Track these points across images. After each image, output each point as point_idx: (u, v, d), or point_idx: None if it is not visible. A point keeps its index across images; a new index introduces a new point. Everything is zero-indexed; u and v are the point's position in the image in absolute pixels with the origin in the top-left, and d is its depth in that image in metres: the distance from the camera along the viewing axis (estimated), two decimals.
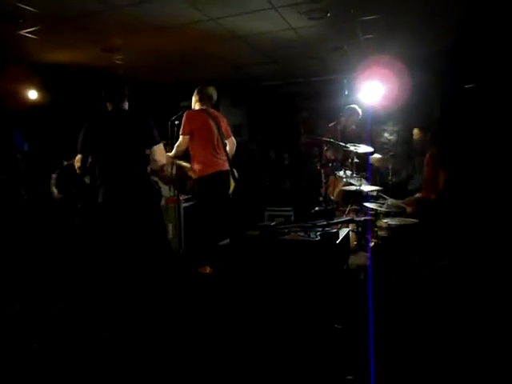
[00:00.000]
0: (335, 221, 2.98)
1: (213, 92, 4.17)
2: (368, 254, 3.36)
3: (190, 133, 3.93)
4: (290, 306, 2.50)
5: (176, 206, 4.72)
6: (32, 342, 2.72)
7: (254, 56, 5.50)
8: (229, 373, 2.29)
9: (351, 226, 4.16)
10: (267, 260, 2.54)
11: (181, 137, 3.92)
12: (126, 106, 3.27)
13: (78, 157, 3.20)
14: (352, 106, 5.28)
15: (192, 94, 4.33)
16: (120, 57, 5.56)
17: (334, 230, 2.68)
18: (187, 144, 3.95)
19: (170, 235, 4.86)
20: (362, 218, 3.51)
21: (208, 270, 4.06)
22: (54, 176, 4.22)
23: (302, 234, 2.61)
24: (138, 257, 3.09)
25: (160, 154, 3.24)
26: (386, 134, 7.39)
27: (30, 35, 4.61)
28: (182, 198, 4.95)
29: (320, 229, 2.65)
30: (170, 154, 4.04)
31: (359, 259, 3.35)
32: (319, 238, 2.51)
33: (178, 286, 3.55)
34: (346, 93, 5.05)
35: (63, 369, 2.43)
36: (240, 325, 2.59)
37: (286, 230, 2.65)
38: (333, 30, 4.57)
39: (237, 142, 4.46)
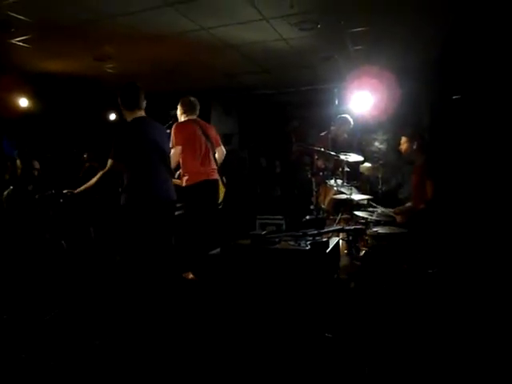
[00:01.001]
0: (326, 230, 3.00)
1: (195, 102, 4.23)
2: (358, 263, 3.39)
3: (181, 143, 3.95)
4: (281, 314, 2.50)
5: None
6: (20, 351, 2.68)
7: (246, 65, 5.55)
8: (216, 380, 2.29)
9: (342, 235, 4.19)
10: (258, 269, 2.56)
11: (173, 149, 3.92)
12: (143, 112, 3.28)
13: (109, 164, 3.15)
14: (344, 115, 5.35)
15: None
16: (111, 65, 5.58)
17: (325, 239, 2.71)
18: (180, 155, 3.97)
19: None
20: (353, 227, 3.54)
21: (191, 276, 4.08)
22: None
23: (292, 243, 2.63)
24: (151, 259, 3.10)
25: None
26: (376, 143, 7.49)
27: (21, 44, 4.62)
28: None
29: (310, 238, 2.67)
30: None
31: (349, 268, 3.38)
32: (309, 247, 2.53)
33: (167, 291, 3.54)
34: (337, 102, 5.09)
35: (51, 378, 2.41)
36: (229, 333, 2.59)
37: (277, 240, 2.67)
38: (323, 41, 4.64)
39: (228, 150, 4.51)
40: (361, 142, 7.09)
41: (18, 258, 3.74)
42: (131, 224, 3.14)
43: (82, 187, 3.34)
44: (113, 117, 7.04)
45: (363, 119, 5.89)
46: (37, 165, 4.20)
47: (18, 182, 4.12)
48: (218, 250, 3.07)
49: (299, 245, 2.57)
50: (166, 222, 3.25)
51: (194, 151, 4.03)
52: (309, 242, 2.58)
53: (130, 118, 3.23)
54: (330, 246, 2.66)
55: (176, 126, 4.05)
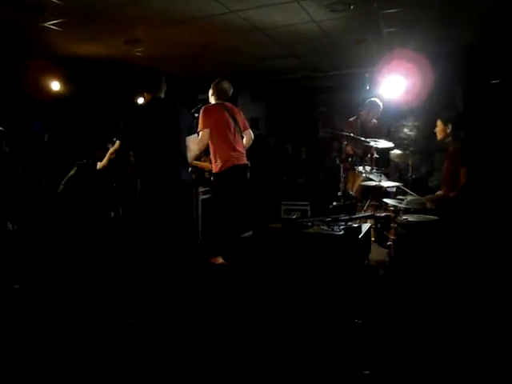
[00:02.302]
0: (357, 216, 2.95)
1: (228, 87, 4.19)
2: (387, 250, 3.34)
3: (209, 126, 3.93)
4: (312, 299, 2.50)
5: (194, 198, 4.75)
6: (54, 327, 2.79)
7: (275, 49, 5.46)
8: (248, 363, 2.31)
9: (370, 223, 4.13)
10: (290, 253, 2.55)
11: (201, 132, 3.90)
12: (163, 95, 3.29)
13: (116, 144, 3.19)
14: (373, 99, 5.21)
15: (209, 87, 4.35)
16: (141, 49, 5.60)
17: (357, 225, 2.67)
18: (208, 138, 3.95)
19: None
20: (383, 214, 3.47)
21: (220, 260, 4.11)
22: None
23: (325, 227, 2.60)
24: (168, 246, 3.12)
25: (194, 142, 3.33)
26: (405, 130, 7.31)
27: (54, 27, 4.68)
28: (200, 190, 4.99)
29: (343, 223, 2.64)
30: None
31: (378, 255, 3.33)
32: (343, 232, 2.50)
33: (195, 277, 3.59)
34: (368, 87, 4.96)
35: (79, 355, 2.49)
36: (260, 317, 2.62)
37: (309, 224, 2.65)
38: (355, 23, 4.51)
39: (254, 136, 4.45)
40: (390, 128, 6.94)
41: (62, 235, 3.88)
42: (144, 209, 3.15)
43: (100, 165, 3.38)
44: (141, 100, 7.10)
45: (394, 105, 5.73)
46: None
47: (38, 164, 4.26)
48: (250, 233, 3.07)
49: (332, 229, 2.54)
50: (183, 205, 3.20)
51: (223, 135, 4.00)
52: (342, 227, 2.55)
53: (147, 100, 3.27)
54: (362, 232, 2.62)
55: (204, 109, 4.02)
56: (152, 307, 3.00)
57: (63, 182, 4.34)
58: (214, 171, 4.10)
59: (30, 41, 5.22)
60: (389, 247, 3.33)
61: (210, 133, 3.96)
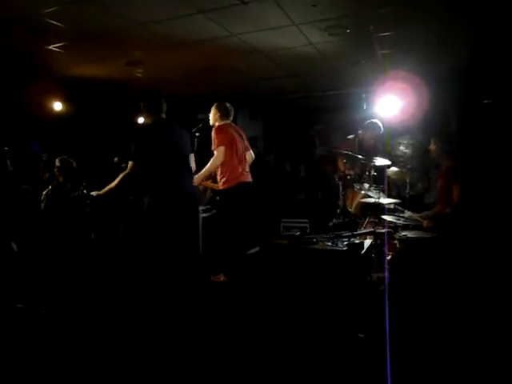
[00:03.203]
0: (359, 232, 3.02)
1: (230, 107, 4.30)
2: (386, 266, 3.39)
3: (225, 144, 4.02)
4: (316, 313, 2.54)
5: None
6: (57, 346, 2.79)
7: (274, 70, 5.62)
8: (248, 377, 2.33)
9: (369, 239, 4.18)
10: (295, 268, 2.62)
11: (217, 149, 4.00)
12: (165, 115, 3.38)
13: (130, 165, 3.27)
14: (374, 120, 5.32)
15: (209, 107, 4.44)
16: (141, 70, 5.72)
17: (359, 241, 2.73)
18: (224, 156, 4.02)
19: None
20: (383, 230, 3.54)
21: (222, 278, 4.14)
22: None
23: (329, 243, 2.66)
24: (175, 261, 3.17)
25: (193, 162, 3.45)
26: (401, 147, 7.43)
27: (57, 50, 4.80)
28: (200, 208, 5.02)
29: (346, 239, 2.71)
30: (201, 172, 4.11)
31: (379, 271, 3.38)
32: (346, 247, 2.56)
33: (197, 293, 3.62)
34: (365, 107, 5.08)
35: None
36: (267, 330, 2.66)
37: (314, 240, 2.71)
38: (351, 46, 4.67)
39: (253, 154, 4.56)
40: (386, 146, 7.06)
41: (53, 254, 3.88)
42: (156, 226, 3.20)
43: (107, 188, 3.47)
44: (141, 120, 7.20)
45: (389, 123, 5.86)
46: (74, 164, 4.35)
47: (57, 181, 4.28)
48: (256, 249, 3.12)
49: (336, 245, 2.60)
50: (192, 220, 3.32)
51: (234, 154, 4.10)
52: (345, 243, 2.61)
53: (151, 121, 3.34)
54: (365, 248, 2.68)
55: (218, 128, 4.13)
56: (153, 326, 3.01)
57: (42, 201, 4.32)
58: (221, 188, 4.16)
59: (32, 62, 5.33)
60: (389, 263, 3.38)
61: (225, 150, 4.06)
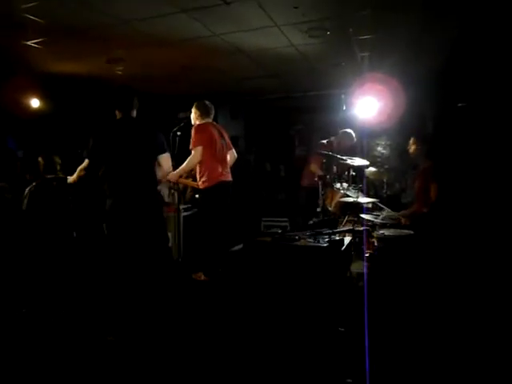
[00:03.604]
0: (338, 229, 3.11)
1: (210, 106, 4.35)
2: (364, 263, 3.48)
3: (202, 144, 4.04)
4: (299, 308, 2.61)
5: (176, 215, 4.81)
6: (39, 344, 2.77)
7: (255, 70, 5.66)
8: (231, 374, 2.37)
9: (349, 236, 4.28)
10: (278, 264, 2.68)
11: (194, 149, 4.01)
12: (135, 113, 3.34)
13: (85, 162, 3.28)
14: (348, 130, 5.44)
15: (190, 106, 4.47)
16: (122, 68, 5.67)
17: (339, 238, 2.82)
18: (201, 156, 4.04)
19: (170, 243, 4.93)
20: (362, 228, 3.64)
21: (202, 277, 4.17)
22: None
23: (311, 240, 2.74)
24: (140, 263, 3.15)
25: (166, 162, 3.31)
26: (379, 148, 7.61)
27: (36, 45, 4.71)
28: (181, 207, 5.04)
29: (326, 236, 2.79)
30: (177, 170, 4.12)
31: (358, 268, 3.47)
32: (327, 244, 2.64)
33: (178, 292, 3.64)
34: (344, 108, 5.19)
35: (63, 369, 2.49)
36: (250, 325, 2.71)
37: (297, 237, 2.78)
38: (332, 48, 4.77)
39: (235, 153, 4.60)
40: (364, 146, 7.21)
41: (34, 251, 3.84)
42: (111, 226, 3.20)
43: (70, 179, 3.53)
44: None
45: (368, 124, 5.99)
46: (58, 160, 4.32)
47: (41, 178, 4.24)
48: (240, 246, 3.17)
49: (318, 242, 2.67)
50: (142, 223, 3.18)
51: (214, 153, 4.13)
52: (326, 240, 2.69)
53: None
54: (345, 245, 2.77)
55: (197, 127, 4.15)
56: (132, 324, 3.02)
57: (25, 197, 4.26)
58: (201, 187, 4.19)
59: (10, 57, 5.22)
60: (367, 260, 3.48)
61: (202, 149, 4.07)
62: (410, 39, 4.49)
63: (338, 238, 2.78)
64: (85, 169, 3.31)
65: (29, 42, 4.61)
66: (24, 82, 5.76)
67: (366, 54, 4.98)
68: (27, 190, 4.20)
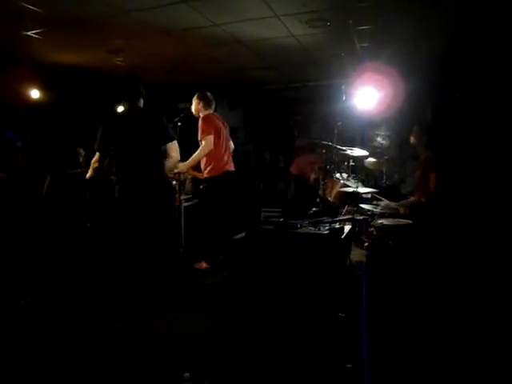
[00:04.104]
0: (339, 218, 3.17)
1: (212, 97, 4.37)
2: (365, 252, 3.55)
3: (211, 132, 4.06)
4: (299, 294, 2.67)
5: (177, 205, 4.84)
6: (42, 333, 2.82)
7: (255, 60, 5.66)
8: (235, 359, 2.43)
9: (348, 225, 4.34)
10: (280, 252, 2.75)
11: (205, 138, 4.03)
12: (141, 104, 3.39)
13: (96, 155, 3.32)
14: None
15: (189, 96, 4.49)
16: (121, 58, 5.67)
17: (340, 226, 2.88)
18: (213, 144, 4.06)
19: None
20: (362, 217, 3.69)
21: (204, 265, 4.23)
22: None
23: (312, 228, 2.80)
24: (147, 250, 3.21)
25: (175, 150, 3.36)
26: (378, 139, 7.62)
27: (35, 36, 4.70)
28: (182, 197, 5.07)
29: (327, 225, 2.85)
30: (188, 161, 4.17)
31: (357, 256, 3.54)
32: (328, 231, 2.70)
33: (183, 281, 3.69)
34: (344, 98, 5.20)
35: (69, 360, 2.54)
36: (252, 311, 2.77)
37: (298, 225, 2.84)
38: (332, 38, 4.77)
39: (233, 144, 4.65)
40: (364, 137, 7.24)
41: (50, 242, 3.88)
42: (120, 216, 3.27)
43: (87, 175, 3.54)
44: (121, 109, 7.12)
45: (368, 115, 6.01)
46: (82, 151, 4.36)
47: (60, 168, 4.27)
48: (243, 234, 3.23)
49: (319, 229, 2.74)
50: (151, 211, 3.26)
51: (219, 143, 4.17)
52: (327, 228, 2.75)
53: (126, 109, 3.36)
54: (345, 233, 2.83)
55: (204, 117, 4.20)
56: (139, 311, 3.08)
57: (44, 192, 4.31)
58: (207, 176, 4.23)
59: (9, 48, 5.20)
60: (366, 249, 3.54)
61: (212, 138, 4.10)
62: (409, 29, 4.49)
63: (338, 227, 2.84)
64: (98, 161, 3.34)
65: (29, 33, 4.60)
66: (24, 72, 5.76)
67: (365, 44, 4.99)
68: (47, 180, 4.25)
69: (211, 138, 4.06)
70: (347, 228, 3.07)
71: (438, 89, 5.89)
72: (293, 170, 6.06)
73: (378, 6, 3.86)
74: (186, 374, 2.30)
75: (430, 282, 3.20)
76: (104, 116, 3.34)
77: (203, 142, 4.08)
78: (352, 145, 5.36)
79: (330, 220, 2.93)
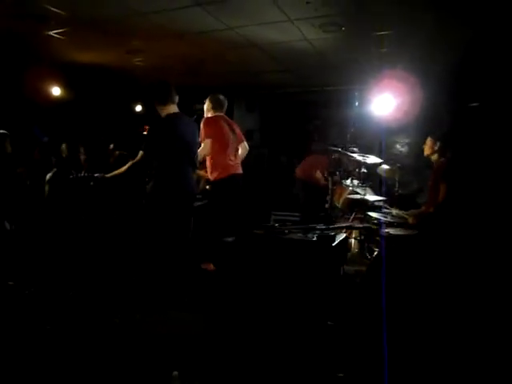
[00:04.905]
0: (334, 225, 3.13)
1: (223, 99, 4.36)
2: (367, 261, 3.49)
3: (211, 136, 4.09)
4: (287, 301, 2.65)
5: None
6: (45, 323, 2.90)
7: (270, 64, 5.67)
8: (222, 366, 2.44)
9: (354, 234, 4.29)
10: (268, 257, 2.74)
11: (204, 142, 4.08)
12: (177, 108, 3.51)
13: (140, 154, 3.42)
14: None
15: (206, 98, 4.52)
16: (141, 59, 5.79)
17: (332, 233, 2.84)
18: (210, 148, 4.10)
19: None
20: (361, 225, 3.64)
21: (212, 266, 4.25)
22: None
23: (300, 234, 2.79)
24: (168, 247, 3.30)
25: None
26: (397, 146, 7.50)
27: (57, 36, 4.86)
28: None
29: (318, 231, 2.83)
30: None
31: (358, 265, 3.49)
32: (316, 238, 2.68)
33: (188, 280, 3.72)
34: (357, 104, 5.16)
35: (73, 350, 2.60)
36: (238, 318, 2.76)
37: (287, 231, 2.83)
38: (347, 43, 4.72)
39: (248, 146, 4.63)
40: (382, 144, 7.13)
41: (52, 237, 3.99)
42: (154, 212, 3.35)
43: (113, 173, 3.61)
44: (138, 108, 7.27)
45: (385, 122, 5.94)
46: (83, 150, 4.46)
47: (62, 165, 4.38)
48: (232, 237, 3.25)
49: (306, 236, 2.72)
50: (186, 213, 3.46)
51: (223, 146, 4.16)
52: (316, 235, 2.73)
53: (164, 113, 3.42)
54: (337, 241, 2.79)
55: (206, 120, 4.20)
56: (141, 308, 3.12)
57: (46, 184, 4.43)
58: (211, 179, 4.26)
59: (33, 47, 5.39)
60: (368, 257, 3.49)
61: (212, 142, 4.13)
62: (427, 34, 4.41)
63: (330, 234, 2.81)
64: (137, 161, 3.45)
65: (50, 32, 4.76)
66: (47, 71, 5.97)
67: (382, 50, 4.92)
68: (48, 175, 4.37)
69: (209, 142, 4.07)
70: (341, 236, 3.02)
71: (453, 96, 5.76)
72: (297, 172, 6.06)
73: (393, 12, 3.82)
74: (175, 373, 2.32)
75: (433, 294, 3.12)
76: (153, 120, 3.46)
77: (201, 145, 4.11)
78: (369, 151, 5.29)
79: (323, 227, 2.90)
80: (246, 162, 4.64)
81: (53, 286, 3.45)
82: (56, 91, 6.02)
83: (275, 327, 2.57)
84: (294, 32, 4.37)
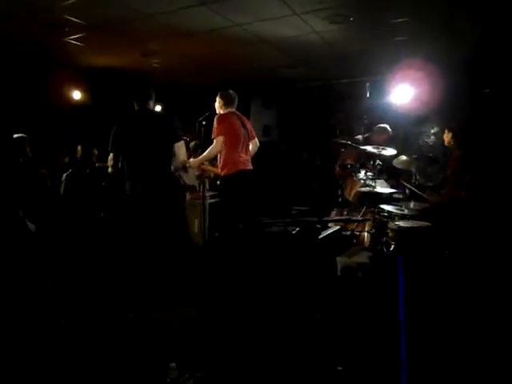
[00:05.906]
0: (327, 219, 3.09)
1: (234, 95, 4.38)
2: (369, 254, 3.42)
3: (223, 133, 4.14)
4: (272, 294, 2.65)
5: (201, 201, 4.95)
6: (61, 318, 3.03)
7: (281, 59, 5.65)
8: (210, 361, 2.46)
9: (367, 227, 4.21)
10: (251, 250, 2.74)
11: (216, 139, 4.13)
12: (152, 104, 3.51)
13: (110, 156, 3.52)
14: (382, 125, 5.24)
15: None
16: (157, 61, 5.91)
17: (318, 227, 2.81)
18: (222, 145, 4.15)
19: (196, 230, 5.11)
20: (360, 218, 3.56)
21: None
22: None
23: (282, 227, 2.78)
24: (155, 246, 3.34)
25: (180, 150, 3.44)
26: (423, 137, 7.27)
27: (75, 42, 5.05)
28: (207, 194, 5.18)
29: (304, 224, 2.80)
30: (199, 157, 4.30)
31: (362, 258, 3.42)
32: (295, 231, 2.66)
33: (199, 275, 3.77)
34: (368, 95, 5.04)
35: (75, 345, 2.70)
36: (232, 310, 2.79)
37: (269, 224, 2.83)
38: (358, 33, 4.64)
39: (267, 142, 4.63)
40: (407, 136, 6.94)
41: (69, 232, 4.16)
42: (130, 210, 3.42)
43: (109, 170, 3.72)
44: (158, 109, 7.40)
45: (407, 112, 5.79)
46: (95, 152, 4.63)
47: (77, 165, 4.55)
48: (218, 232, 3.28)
49: (286, 229, 2.71)
50: (153, 213, 3.37)
51: (235, 142, 4.20)
52: (298, 228, 2.70)
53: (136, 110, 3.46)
54: (324, 234, 2.76)
55: (219, 117, 4.23)
56: (151, 303, 3.20)
57: (62, 182, 4.62)
58: (221, 175, 4.31)
59: (52, 53, 5.61)
60: (371, 250, 3.42)
61: (224, 139, 4.18)
62: (444, 23, 4.25)
63: (315, 227, 2.77)
64: (112, 159, 3.54)
65: (68, 39, 4.94)
66: (69, 75, 6.20)
67: (400, 38, 4.77)
68: (64, 174, 4.56)
69: (221, 139, 4.11)
70: (333, 229, 2.97)
71: (474, 85, 5.52)
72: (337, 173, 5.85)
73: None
74: (173, 364, 2.38)
75: (442, 290, 3.02)
76: (115, 119, 3.49)
77: (214, 142, 4.16)
78: (390, 143, 5.15)
79: (314, 220, 2.86)
80: (264, 158, 4.64)
81: (68, 282, 3.61)
82: (76, 95, 6.24)
83: (266, 320, 2.57)
84: (301, 26, 4.34)
